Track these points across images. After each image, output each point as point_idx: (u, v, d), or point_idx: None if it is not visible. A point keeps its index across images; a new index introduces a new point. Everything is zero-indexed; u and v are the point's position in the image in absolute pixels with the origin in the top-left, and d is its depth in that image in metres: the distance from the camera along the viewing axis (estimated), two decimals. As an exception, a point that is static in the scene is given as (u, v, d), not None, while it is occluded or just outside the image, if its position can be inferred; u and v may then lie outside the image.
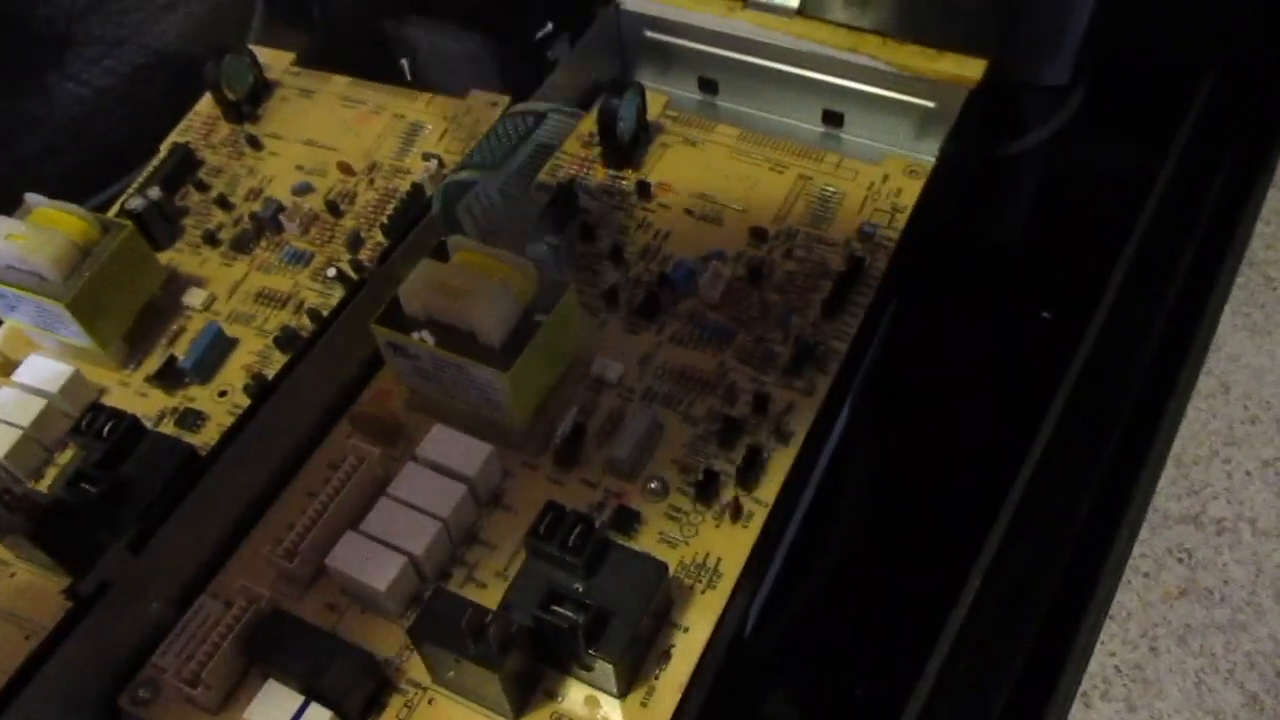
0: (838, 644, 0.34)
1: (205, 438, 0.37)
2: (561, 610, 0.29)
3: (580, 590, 0.29)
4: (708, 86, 0.47)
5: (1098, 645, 0.34)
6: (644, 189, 0.42)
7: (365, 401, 0.36)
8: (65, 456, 0.37)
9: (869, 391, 0.38)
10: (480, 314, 0.32)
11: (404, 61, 0.47)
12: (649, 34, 0.46)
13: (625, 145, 0.43)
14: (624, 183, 0.43)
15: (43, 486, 0.36)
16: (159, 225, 0.41)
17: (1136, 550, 0.37)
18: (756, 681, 0.33)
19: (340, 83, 0.48)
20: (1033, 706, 0.33)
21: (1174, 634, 0.36)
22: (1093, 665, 0.35)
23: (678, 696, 0.30)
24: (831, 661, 0.34)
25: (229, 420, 0.36)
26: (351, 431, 0.36)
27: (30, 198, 0.38)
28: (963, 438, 0.38)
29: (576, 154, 0.44)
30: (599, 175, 0.43)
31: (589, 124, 0.44)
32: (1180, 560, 0.38)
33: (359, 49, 0.50)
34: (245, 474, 0.34)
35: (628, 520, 0.33)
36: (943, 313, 0.41)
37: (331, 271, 0.40)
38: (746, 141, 0.44)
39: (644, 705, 0.30)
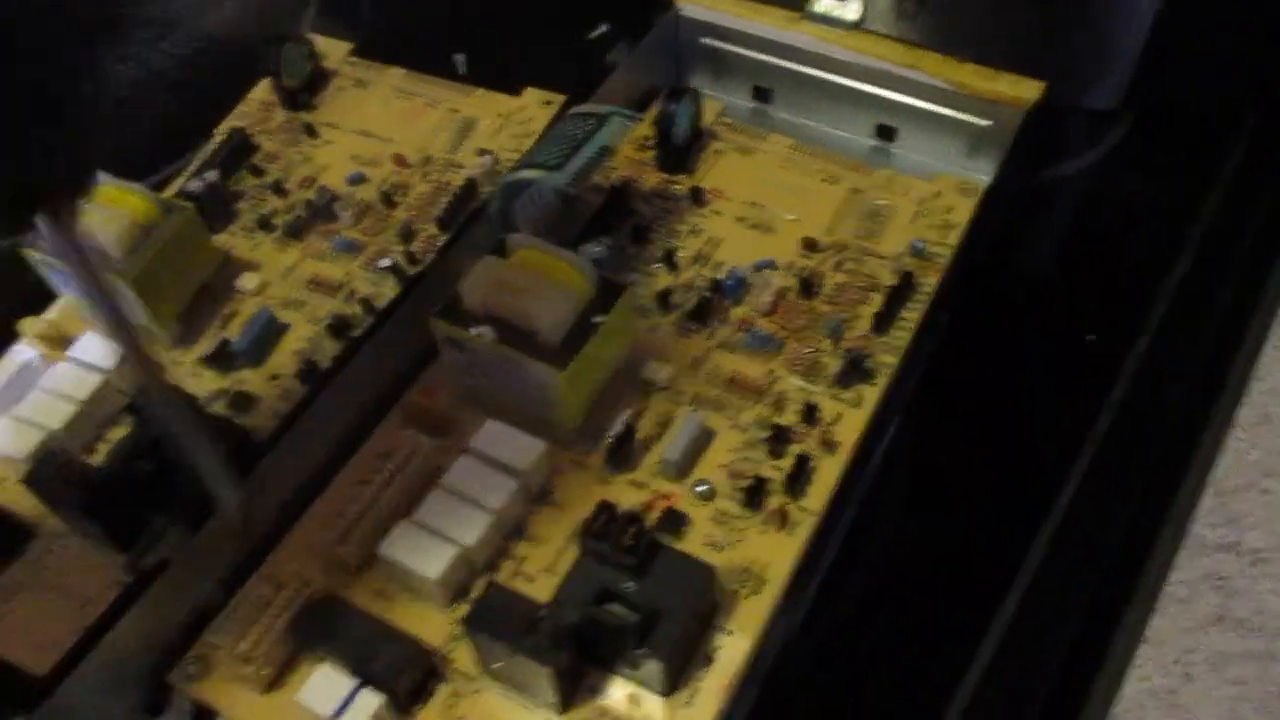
0: (875, 657, 0.34)
1: (256, 420, 0.37)
2: (613, 608, 0.29)
3: (631, 590, 0.30)
4: (762, 95, 0.47)
5: (1132, 669, 0.34)
6: (697, 195, 0.42)
7: (416, 394, 0.37)
8: (115, 433, 0.37)
9: (915, 407, 0.38)
10: (541, 312, 0.33)
11: (458, 57, 0.47)
12: (706, 41, 0.47)
13: (679, 151, 0.43)
14: (677, 188, 0.43)
15: (94, 461, 0.37)
16: (215, 209, 0.42)
17: (1173, 577, 0.37)
18: (796, 690, 0.34)
19: (396, 75, 0.48)
20: None
21: (1208, 661, 0.36)
22: (1126, 689, 0.35)
23: (721, 699, 0.30)
24: (868, 675, 0.34)
25: (280, 404, 0.37)
26: (403, 423, 0.36)
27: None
28: (1004, 456, 0.38)
29: (630, 157, 0.44)
30: (651, 180, 0.44)
31: (643, 128, 0.44)
32: (1216, 588, 0.38)
33: (414, 42, 0.51)
34: (300, 459, 0.34)
35: (675, 522, 0.34)
36: (988, 332, 0.42)
37: (386, 262, 0.40)
38: (799, 152, 0.44)
39: (688, 705, 0.30)
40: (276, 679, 0.31)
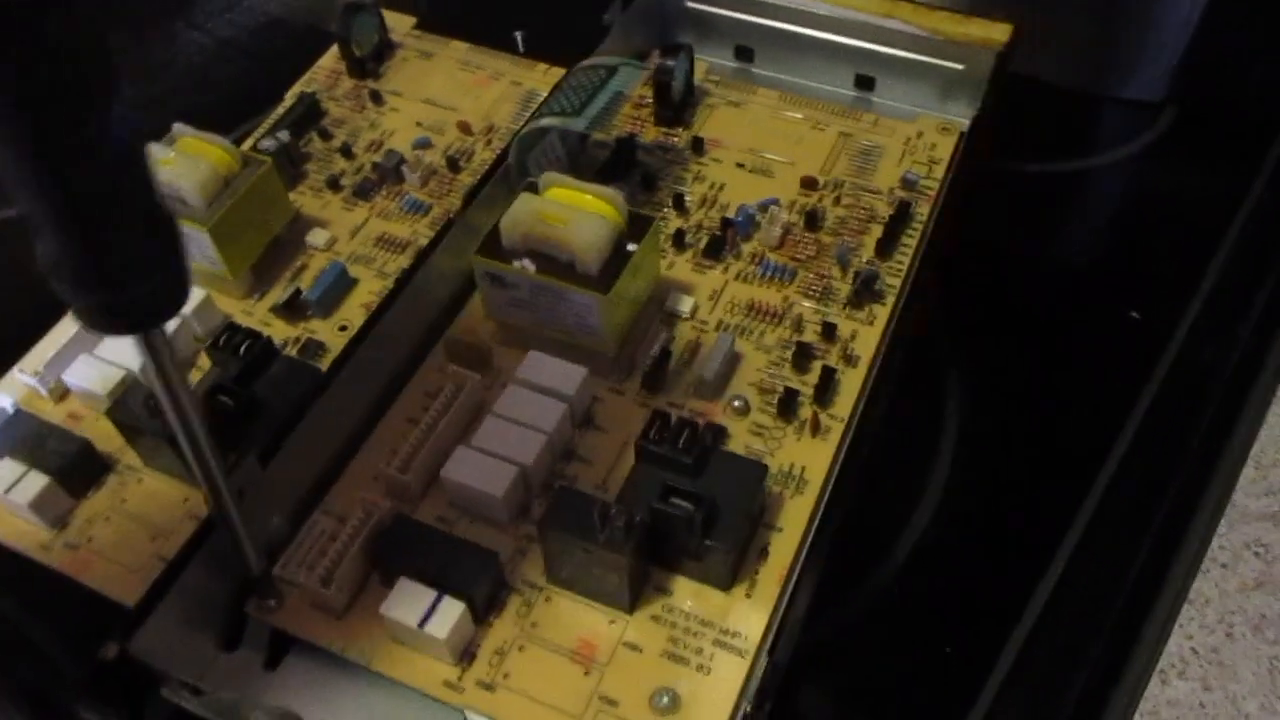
0: (926, 612, 0.36)
1: (323, 366, 0.38)
2: (678, 501, 0.31)
3: (691, 486, 0.32)
4: (744, 54, 0.50)
5: (1176, 628, 0.35)
6: (697, 144, 0.45)
7: (456, 332, 0.38)
8: (190, 376, 0.38)
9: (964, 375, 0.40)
10: (580, 242, 0.35)
11: (518, 34, 0.49)
12: (690, 4, 0.49)
13: (676, 105, 0.45)
14: (676, 139, 0.45)
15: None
16: (286, 167, 0.43)
17: (1215, 543, 0.39)
18: (843, 644, 0.35)
19: (459, 48, 0.50)
20: (1113, 678, 0.34)
21: (1249, 622, 0.37)
22: (1171, 645, 0.36)
23: (779, 588, 0.32)
24: (919, 627, 0.36)
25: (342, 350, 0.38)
26: (444, 360, 0.38)
27: (177, 127, 0.39)
28: (1051, 425, 0.40)
29: (628, 114, 0.46)
30: (651, 134, 0.46)
31: (638, 86, 0.46)
32: (1257, 554, 0.39)
33: (476, 17, 0.52)
34: (355, 398, 0.36)
35: (715, 436, 0.36)
36: (1033, 313, 0.44)
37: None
38: (786, 103, 0.47)
39: (748, 597, 0.32)
40: (350, 604, 0.32)
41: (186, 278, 0.23)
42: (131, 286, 0.22)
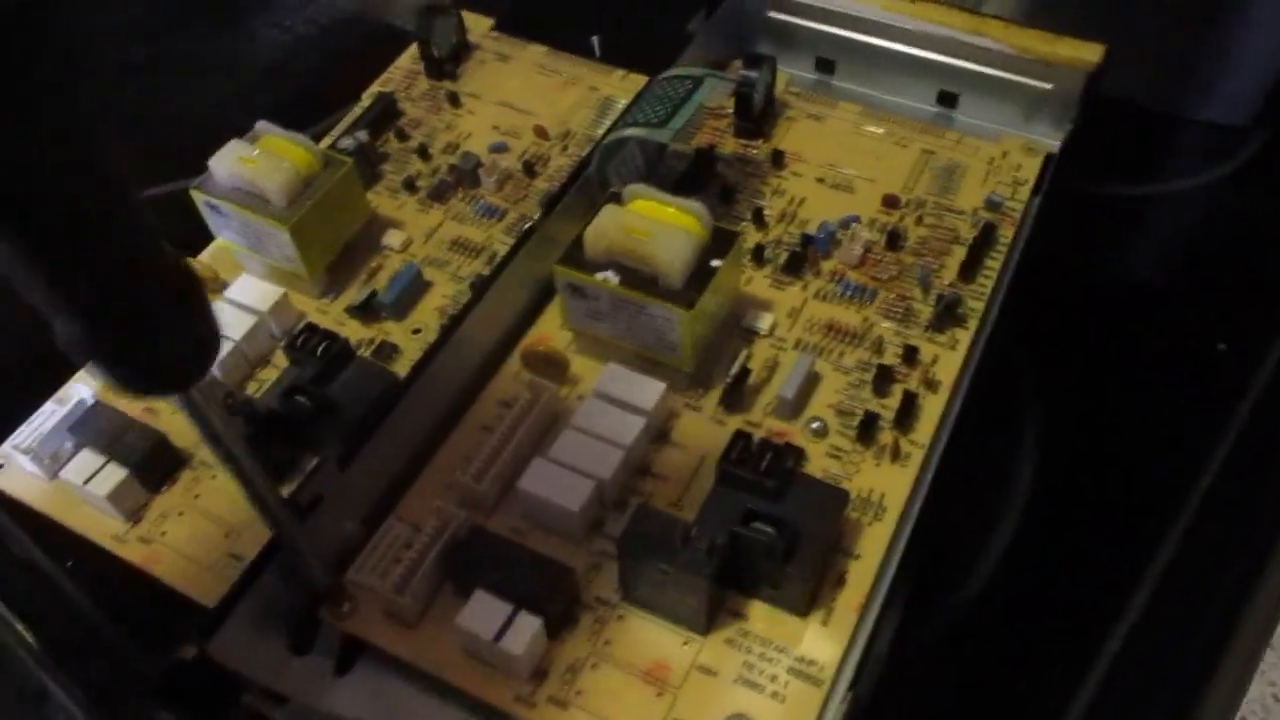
0: (1000, 644, 0.35)
1: (398, 370, 0.38)
2: (761, 527, 0.30)
3: (773, 511, 0.31)
4: (824, 66, 0.49)
5: (1257, 674, 0.35)
6: (778, 157, 0.44)
7: (531, 341, 0.38)
8: (264, 373, 0.39)
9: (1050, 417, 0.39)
10: (665, 256, 0.34)
11: (594, 39, 0.49)
12: (772, 15, 0.48)
13: (756, 117, 0.45)
14: (755, 152, 0.45)
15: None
16: (363, 167, 0.43)
17: None
18: (913, 673, 0.34)
19: (537, 51, 0.50)
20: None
21: None
22: (1252, 692, 0.35)
23: (855, 616, 0.32)
24: (993, 660, 0.35)
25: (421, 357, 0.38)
26: (520, 369, 0.37)
27: (261, 125, 0.39)
28: (1133, 457, 0.39)
29: (706, 125, 0.46)
30: (730, 145, 0.45)
31: (717, 96, 0.46)
32: None
33: (554, 21, 0.52)
34: (431, 404, 0.36)
35: (796, 459, 0.35)
36: (1115, 339, 0.43)
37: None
38: (867, 118, 0.46)
39: (824, 625, 0.32)
40: (424, 612, 0.32)
41: (214, 335, 0.22)
42: (154, 357, 0.21)
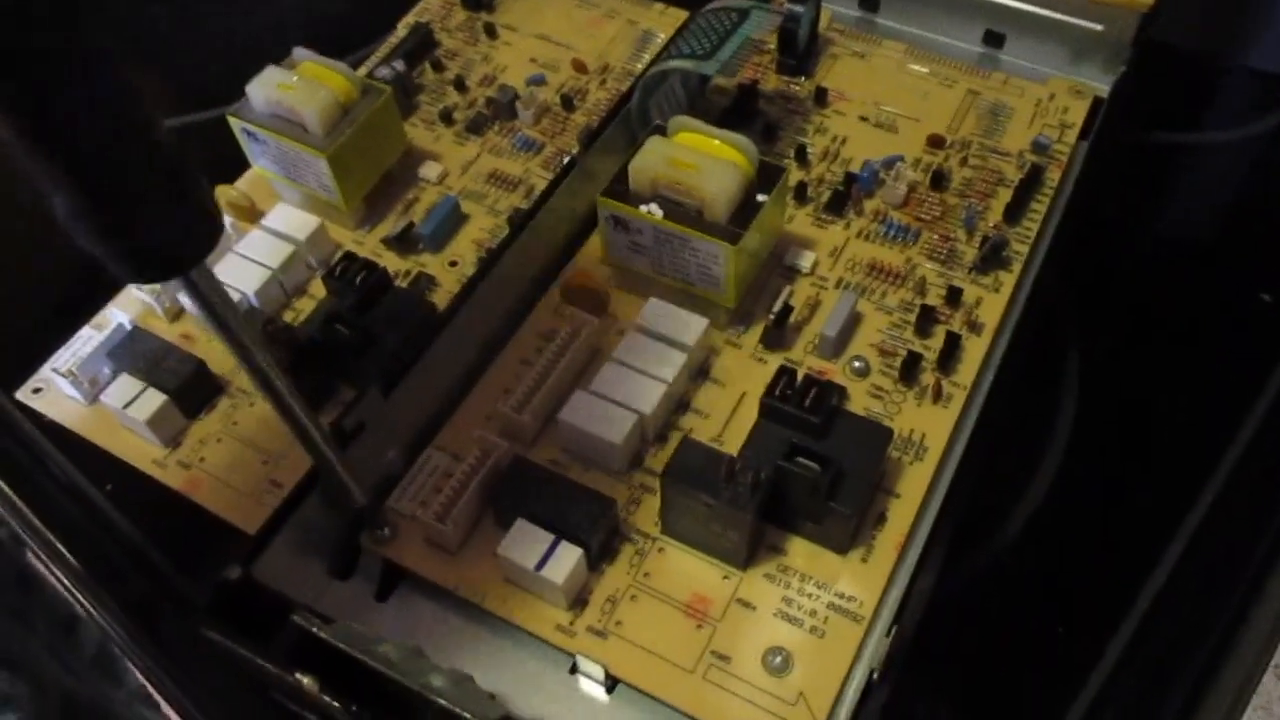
0: (1039, 587, 0.35)
1: (435, 302, 0.38)
2: (805, 462, 0.30)
3: (817, 447, 0.31)
4: (868, 4, 0.48)
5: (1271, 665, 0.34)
6: (821, 95, 0.43)
7: (572, 275, 0.38)
8: (300, 302, 0.38)
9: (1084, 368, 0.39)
10: (711, 189, 0.34)
11: None
12: (817, -51, 0.47)
13: (800, 54, 0.44)
14: (798, 89, 0.44)
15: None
16: (400, 98, 0.42)
17: None
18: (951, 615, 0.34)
19: None
20: (1222, 664, 0.33)
21: None
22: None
23: (895, 555, 0.32)
24: (1031, 603, 0.35)
25: (458, 288, 0.37)
26: (560, 302, 0.37)
27: (298, 52, 0.39)
28: (1174, 406, 0.39)
29: (749, 61, 0.45)
30: (772, 82, 0.44)
31: (761, 31, 0.45)
32: None
33: None
34: (471, 335, 0.35)
35: (840, 396, 0.35)
36: (1158, 287, 0.42)
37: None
38: (912, 57, 0.45)
39: (864, 561, 0.32)
40: (465, 541, 0.32)
41: (212, 215, 0.22)
42: (153, 232, 0.21)
